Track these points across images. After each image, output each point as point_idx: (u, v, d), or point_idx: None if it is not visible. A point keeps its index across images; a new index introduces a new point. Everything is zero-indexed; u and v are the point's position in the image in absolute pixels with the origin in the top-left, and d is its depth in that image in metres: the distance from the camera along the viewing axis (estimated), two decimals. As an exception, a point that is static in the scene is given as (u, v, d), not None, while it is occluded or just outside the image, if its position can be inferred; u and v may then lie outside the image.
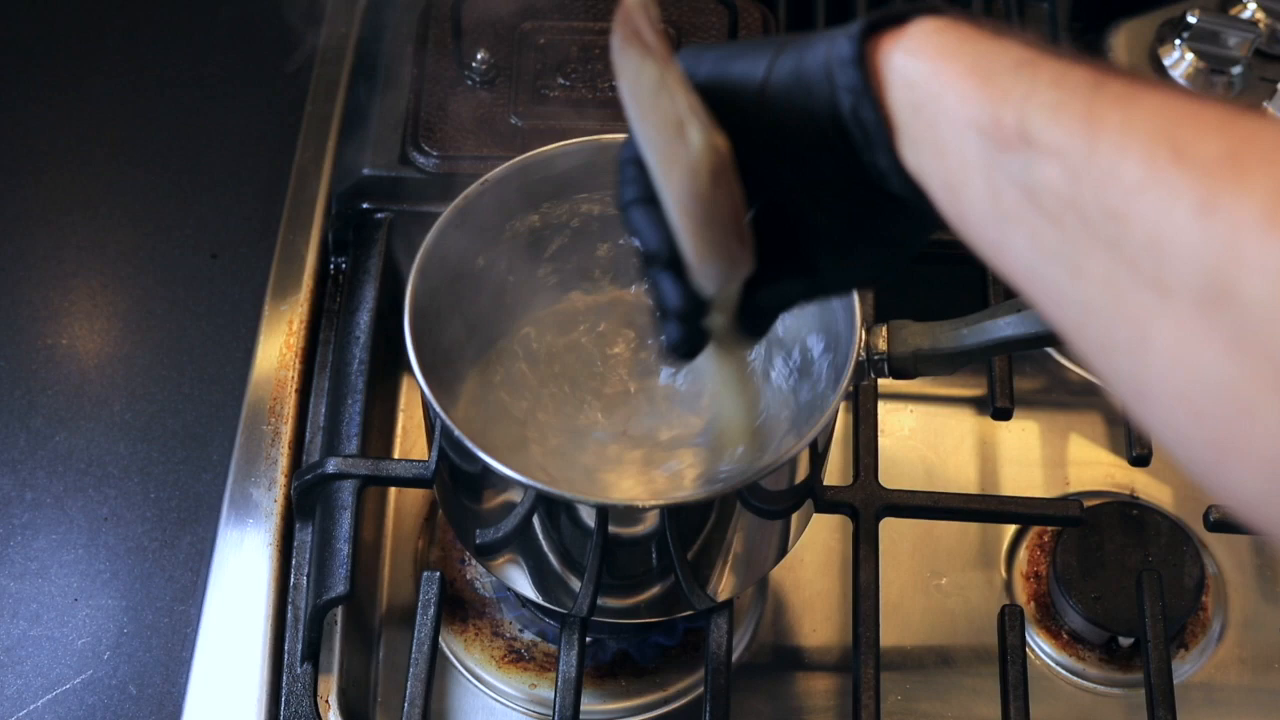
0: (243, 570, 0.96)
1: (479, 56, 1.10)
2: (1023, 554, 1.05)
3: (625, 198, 0.68)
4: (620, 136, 0.92)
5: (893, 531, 0.98)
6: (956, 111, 0.54)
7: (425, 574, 0.92)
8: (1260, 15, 1.20)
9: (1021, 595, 1.04)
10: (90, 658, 0.97)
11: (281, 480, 0.99)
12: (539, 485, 0.78)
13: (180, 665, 0.95)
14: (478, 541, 0.88)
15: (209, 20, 1.30)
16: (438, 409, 0.80)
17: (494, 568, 0.91)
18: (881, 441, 0.99)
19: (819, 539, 1.04)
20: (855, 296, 0.83)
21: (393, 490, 1.05)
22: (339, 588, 0.91)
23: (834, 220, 0.66)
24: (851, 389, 0.97)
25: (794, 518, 0.90)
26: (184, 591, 0.99)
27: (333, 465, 0.94)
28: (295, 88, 1.20)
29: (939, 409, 1.13)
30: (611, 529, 0.81)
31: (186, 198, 1.19)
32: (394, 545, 1.04)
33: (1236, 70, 1.16)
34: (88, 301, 1.14)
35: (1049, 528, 1.04)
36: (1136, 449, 1.01)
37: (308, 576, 0.95)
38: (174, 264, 1.15)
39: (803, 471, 0.86)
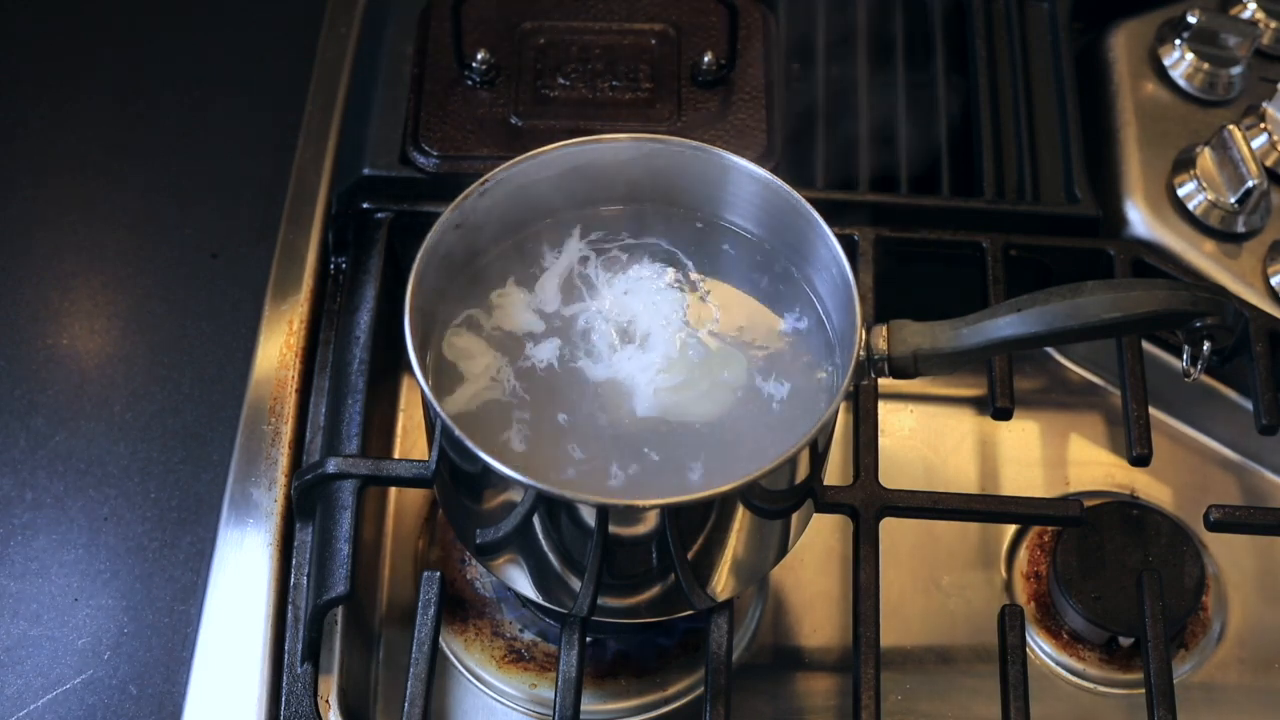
0: (243, 570, 0.96)
1: (479, 56, 1.10)
2: (1023, 554, 1.05)
3: None
4: (619, 137, 0.93)
5: (893, 531, 0.98)
6: None
7: (425, 574, 0.92)
8: (1260, 15, 1.20)
9: (1021, 595, 1.03)
10: (90, 658, 0.97)
11: (281, 480, 0.99)
12: (539, 485, 0.77)
13: (180, 665, 0.95)
14: (478, 541, 0.88)
15: (208, 21, 1.30)
16: (438, 409, 0.80)
17: (494, 568, 0.91)
18: (881, 441, 0.99)
19: (819, 539, 1.04)
20: (855, 296, 0.83)
21: (393, 490, 1.05)
22: (339, 588, 0.91)
23: None
24: (851, 389, 0.96)
25: (794, 518, 0.90)
26: (184, 591, 1.00)
27: (333, 465, 0.94)
28: (295, 88, 1.20)
29: (939, 409, 1.13)
30: (611, 529, 0.81)
31: (186, 198, 1.19)
32: (394, 545, 1.04)
33: (1236, 70, 1.16)
34: (88, 301, 1.14)
35: (1049, 528, 1.04)
36: (1136, 449, 1.00)
37: (308, 576, 0.95)
38: (174, 264, 1.16)
39: (803, 471, 0.85)
